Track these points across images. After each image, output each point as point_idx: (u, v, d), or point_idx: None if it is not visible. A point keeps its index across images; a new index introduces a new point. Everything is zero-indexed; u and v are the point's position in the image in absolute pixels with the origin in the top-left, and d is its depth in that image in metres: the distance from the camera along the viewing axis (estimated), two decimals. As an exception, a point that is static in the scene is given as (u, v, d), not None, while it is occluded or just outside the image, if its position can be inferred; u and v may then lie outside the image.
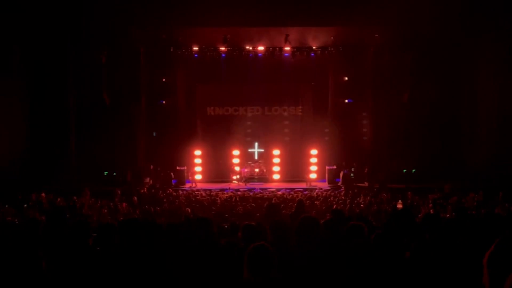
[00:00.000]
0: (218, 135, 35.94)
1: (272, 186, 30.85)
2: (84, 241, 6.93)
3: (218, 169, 34.19)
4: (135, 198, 25.76)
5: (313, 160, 33.22)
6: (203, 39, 31.51)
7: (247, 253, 4.93)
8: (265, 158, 34.70)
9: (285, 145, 35.52)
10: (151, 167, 33.04)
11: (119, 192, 26.61)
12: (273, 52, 31.92)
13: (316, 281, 5.49)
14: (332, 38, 31.00)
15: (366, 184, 29.94)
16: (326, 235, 6.97)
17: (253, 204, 23.45)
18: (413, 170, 30.66)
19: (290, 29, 30.66)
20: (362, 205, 22.59)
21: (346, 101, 35.28)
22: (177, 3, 26.58)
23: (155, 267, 6.28)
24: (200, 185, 31.05)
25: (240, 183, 32.32)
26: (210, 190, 28.88)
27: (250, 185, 31.02)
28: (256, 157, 34.42)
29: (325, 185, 31.06)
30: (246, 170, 33.35)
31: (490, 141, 30.24)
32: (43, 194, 24.45)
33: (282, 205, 23.14)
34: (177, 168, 32.13)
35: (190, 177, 32.15)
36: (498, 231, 7.06)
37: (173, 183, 31.34)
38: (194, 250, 6.73)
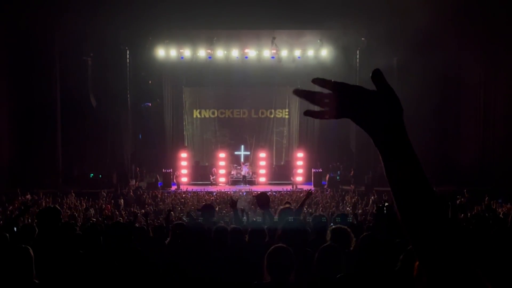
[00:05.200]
0: (204, 138, 35.98)
1: (258, 188, 30.75)
2: (70, 244, 6.88)
3: (204, 171, 34.10)
4: (121, 200, 25.72)
5: (299, 163, 33.23)
6: (190, 41, 31.44)
7: (267, 255, 4.89)
8: (251, 160, 34.72)
9: (271, 148, 35.58)
10: (137, 169, 32.96)
11: (104, 194, 26.55)
12: (260, 54, 31.83)
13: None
14: (319, 41, 31.06)
15: (352, 187, 29.97)
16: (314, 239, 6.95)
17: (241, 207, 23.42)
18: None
19: (277, 32, 30.71)
20: (348, 208, 22.63)
21: (333, 104, 35.35)
22: (164, 5, 26.53)
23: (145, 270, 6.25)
24: (185, 188, 30.93)
25: (226, 186, 32.25)
26: (196, 192, 28.80)
27: (236, 188, 30.95)
28: (242, 160, 34.41)
29: (311, 187, 31.03)
30: (232, 172, 33.32)
31: (476, 145, 30.43)
32: (28, 196, 24.36)
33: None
34: (163, 170, 32.00)
35: (175, 180, 32.02)
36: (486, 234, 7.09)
37: (159, 186, 31.25)
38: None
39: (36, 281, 5.26)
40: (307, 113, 1.74)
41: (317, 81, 1.71)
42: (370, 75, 1.66)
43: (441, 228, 1.57)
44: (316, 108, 1.76)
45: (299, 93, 1.72)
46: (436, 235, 1.56)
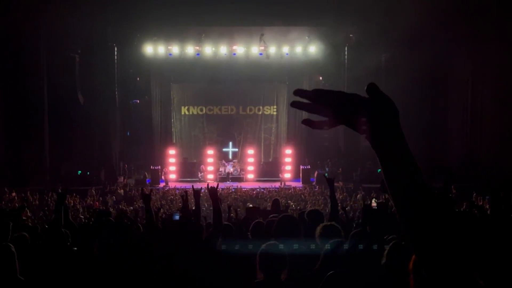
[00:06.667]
0: (192, 135, 35.96)
1: (247, 185, 30.76)
2: (61, 241, 6.85)
3: (192, 168, 34.06)
4: (112, 197, 25.65)
5: (288, 159, 33.27)
6: (178, 38, 31.42)
7: (260, 253, 4.89)
8: (240, 157, 34.74)
9: (259, 145, 35.59)
10: (125, 166, 32.89)
11: (93, 191, 26.47)
12: (248, 51, 31.86)
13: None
14: (307, 37, 31.11)
15: (341, 183, 30.03)
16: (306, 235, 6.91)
17: (228, 202, 23.41)
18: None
19: (265, 29, 30.73)
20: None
21: (321, 100, 35.42)
22: (152, 1, 26.51)
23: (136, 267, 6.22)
24: (173, 185, 30.89)
25: (214, 183, 32.17)
26: (184, 189, 28.70)
27: (224, 185, 30.91)
28: (230, 157, 34.43)
29: (299, 184, 31.09)
30: (220, 169, 33.31)
31: (463, 141, 30.56)
32: (13, 194, 24.26)
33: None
34: (151, 167, 31.95)
35: (164, 177, 32.00)
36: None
37: (147, 182, 31.18)
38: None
39: (22, 278, 5.25)
40: (305, 122, 1.76)
41: (298, 92, 1.74)
42: (365, 88, 1.70)
43: (439, 224, 1.60)
44: (314, 118, 1.79)
45: (297, 105, 1.74)
46: (434, 231, 1.60)
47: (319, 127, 1.76)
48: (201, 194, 8.32)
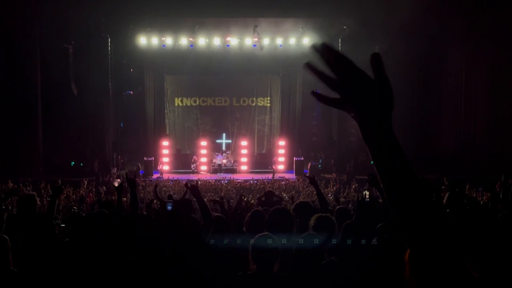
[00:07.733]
0: (186, 126, 35.94)
1: (240, 176, 30.77)
2: (51, 232, 6.81)
3: (185, 160, 34.07)
4: (103, 187, 25.61)
5: (281, 151, 33.28)
6: (171, 29, 31.33)
7: (252, 244, 4.88)
8: (233, 149, 34.75)
9: (253, 136, 35.60)
10: (119, 157, 32.85)
11: (86, 182, 26.41)
12: (242, 43, 31.79)
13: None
14: (300, 29, 31.05)
15: (334, 175, 30.06)
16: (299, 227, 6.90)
17: (222, 194, 23.42)
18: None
19: (259, 20, 30.65)
20: (330, 196, 22.70)
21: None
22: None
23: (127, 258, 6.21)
24: (167, 176, 30.88)
25: (208, 174, 32.22)
26: (178, 180, 28.72)
27: (217, 176, 30.92)
28: (223, 148, 34.45)
29: (292, 176, 31.09)
30: (214, 161, 33.32)
31: (457, 133, 30.60)
32: (9, 184, 24.18)
33: (251, 195, 23.15)
34: (145, 158, 31.94)
35: (159, 168, 31.98)
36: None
37: (140, 174, 31.13)
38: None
39: (15, 270, 5.25)
40: (314, 94, 1.76)
41: (323, 47, 1.74)
42: (369, 59, 1.69)
43: (425, 212, 1.63)
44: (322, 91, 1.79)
45: (311, 68, 1.73)
46: (421, 218, 1.62)
47: (325, 103, 1.76)
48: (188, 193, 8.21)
